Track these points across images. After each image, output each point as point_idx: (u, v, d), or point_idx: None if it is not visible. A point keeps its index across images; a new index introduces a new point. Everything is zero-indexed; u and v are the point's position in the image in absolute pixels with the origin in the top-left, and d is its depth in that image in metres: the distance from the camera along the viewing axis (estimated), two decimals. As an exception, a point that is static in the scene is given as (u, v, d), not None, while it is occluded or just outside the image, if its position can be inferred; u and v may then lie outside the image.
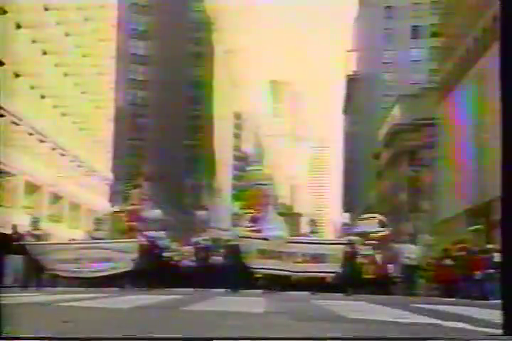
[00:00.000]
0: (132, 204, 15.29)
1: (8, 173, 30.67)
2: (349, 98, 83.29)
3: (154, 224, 14.48)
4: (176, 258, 17.03)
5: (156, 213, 15.27)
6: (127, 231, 14.39)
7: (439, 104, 39.93)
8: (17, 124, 32.62)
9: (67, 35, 40.17)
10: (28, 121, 33.93)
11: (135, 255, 13.18)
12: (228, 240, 13.81)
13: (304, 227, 16.38)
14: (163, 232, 14.94)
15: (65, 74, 40.27)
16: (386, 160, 58.06)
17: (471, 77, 32.61)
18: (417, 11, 64.14)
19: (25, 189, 34.05)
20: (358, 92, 73.63)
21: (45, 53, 36.75)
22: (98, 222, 15.21)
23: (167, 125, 65.06)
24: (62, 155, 40.32)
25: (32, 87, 35.24)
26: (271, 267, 12.64)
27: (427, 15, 59.42)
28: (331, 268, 12.80)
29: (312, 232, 14.08)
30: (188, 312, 5.91)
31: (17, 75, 32.58)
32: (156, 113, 66.90)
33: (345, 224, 14.99)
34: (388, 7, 66.49)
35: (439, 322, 5.16)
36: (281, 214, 14.29)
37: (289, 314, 5.78)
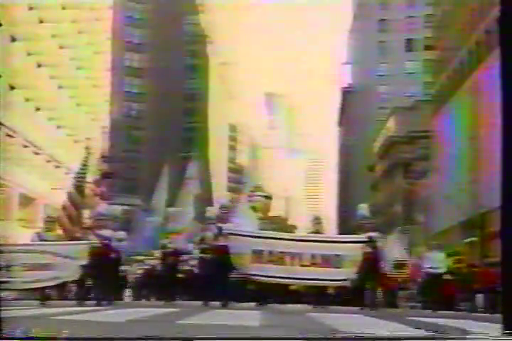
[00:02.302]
0: (91, 198, 12.77)
1: (2, 186, 30.54)
2: (344, 110, 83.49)
3: (112, 223, 11.88)
4: (145, 265, 14.95)
5: (114, 210, 13.14)
6: (75, 230, 11.76)
7: (433, 117, 40.05)
8: (12, 137, 32.56)
9: (62, 47, 40.22)
10: (22, 134, 33.88)
11: (84, 261, 10.75)
12: (214, 238, 11.03)
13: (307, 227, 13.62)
14: (123, 233, 12.30)
15: (60, 87, 40.28)
16: (381, 172, 58.13)
17: (465, 89, 32.74)
18: (411, 24, 64.52)
19: (20, 201, 33.91)
20: (353, 105, 73.79)
21: (40, 66, 36.77)
22: (50, 221, 12.15)
23: (162, 137, 65.01)
24: (57, 167, 40.21)
25: (27, 100, 35.22)
26: (270, 274, 10.30)
27: (421, 28, 59.78)
28: (345, 274, 10.41)
29: (317, 232, 11.49)
30: (183, 326, 5.85)
31: (12, 87, 32.58)
32: (151, 125, 66.85)
33: (364, 218, 11.99)
34: (382, 20, 66.86)
35: (436, 335, 5.12)
36: (253, 209, 11.40)
37: (285, 328, 5.74)
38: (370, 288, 11.18)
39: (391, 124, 53.80)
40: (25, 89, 34.49)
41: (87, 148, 17.41)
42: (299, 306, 12.05)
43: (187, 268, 13.37)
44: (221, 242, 10.74)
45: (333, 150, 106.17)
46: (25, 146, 34.94)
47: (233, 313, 8.29)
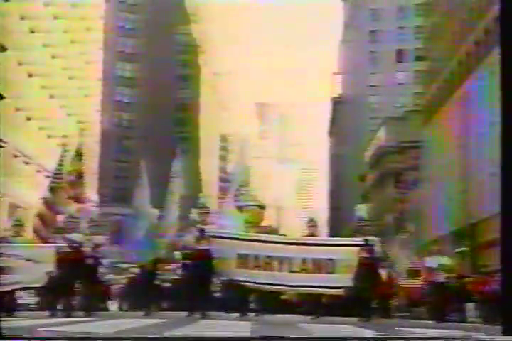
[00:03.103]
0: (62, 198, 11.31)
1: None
2: (335, 120, 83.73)
3: (86, 226, 10.90)
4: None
5: (88, 212, 12.18)
6: (48, 234, 10.76)
7: (424, 127, 40.23)
8: (1, 147, 32.42)
9: (53, 57, 40.22)
10: (13, 143, 33.75)
11: (51, 265, 9.85)
12: (196, 241, 9.88)
13: (302, 229, 12.51)
14: (100, 237, 11.23)
15: (52, 97, 40.21)
16: (372, 182, 58.23)
17: (455, 99, 32.93)
18: (402, 34, 64.93)
19: (9, 211, 33.69)
20: (344, 115, 74.02)
21: (31, 75, 36.72)
22: (18, 225, 11.10)
23: (153, 147, 64.92)
24: (48, 177, 40.03)
25: (17, 109, 35.13)
26: (257, 280, 9.44)
27: (412, 39, 60.17)
28: (339, 281, 9.46)
29: (311, 235, 10.60)
30: (172, 339, 5.80)
31: (2, 97, 32.49)
32: (142, 135, 66.79)
33: (361, 219, 10.82)
34: (373, 31, 67.25)
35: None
36: (239, 210, 10.44)
37: (276, 338, 5.71)
38: (365, 296, 10.12)
39: (382, 134, 53.98)
40: (16, 99, 34.42)
41: (63, 145, 16.32)
42: (289, 316, 11.95)
43: (173, 276, 12.70)
44: (204, 246, 9.73)
45: (324, 160, 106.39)
46: (16, 156, 34.80)
47: (223, 324, 8.24)
